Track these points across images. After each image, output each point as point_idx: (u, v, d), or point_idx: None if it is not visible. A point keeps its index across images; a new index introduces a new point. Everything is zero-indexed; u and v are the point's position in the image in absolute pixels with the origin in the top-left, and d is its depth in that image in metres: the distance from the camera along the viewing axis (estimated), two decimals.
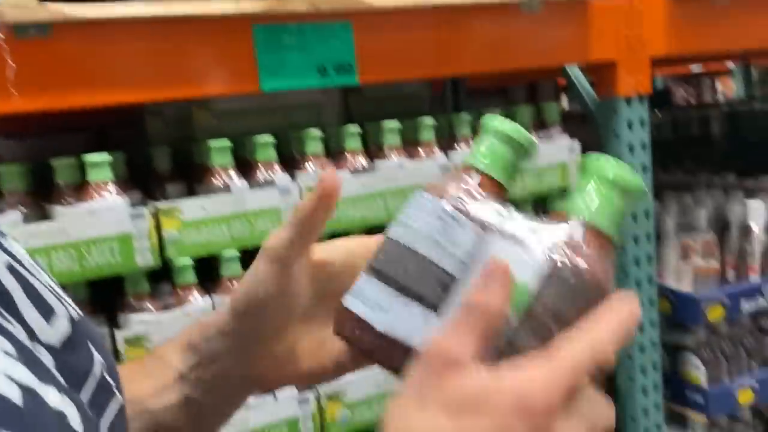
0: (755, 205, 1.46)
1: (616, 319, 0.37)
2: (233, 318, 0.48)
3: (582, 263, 0.40)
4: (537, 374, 0.34)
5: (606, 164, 0.42)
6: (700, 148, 2.29)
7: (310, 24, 1.01)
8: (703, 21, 1.31)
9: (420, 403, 0.35)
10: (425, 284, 0.43)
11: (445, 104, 1.84)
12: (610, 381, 1.42)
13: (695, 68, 4.10)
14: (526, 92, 2.55)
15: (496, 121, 0.46)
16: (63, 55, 0.88)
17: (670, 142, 2.31)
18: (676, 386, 1.46)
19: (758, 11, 1.37)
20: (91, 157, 0.94)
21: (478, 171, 0.46)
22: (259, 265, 0.47)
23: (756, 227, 1.45)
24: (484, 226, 0.43)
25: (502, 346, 0.38)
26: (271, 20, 0.99)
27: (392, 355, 0.43)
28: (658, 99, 3.37)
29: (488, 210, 0.44)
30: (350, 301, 0.45)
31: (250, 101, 1.20)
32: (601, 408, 0.36)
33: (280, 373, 0.51)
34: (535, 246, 0.41)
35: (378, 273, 0.44)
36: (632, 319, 0.37)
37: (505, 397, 0.33)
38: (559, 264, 0.40)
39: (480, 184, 0.45)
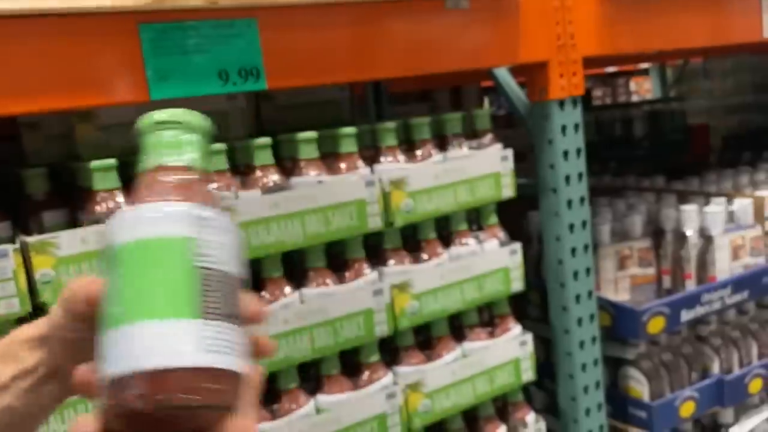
0: (688, 210, 1.44)
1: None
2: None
3: None
4: None
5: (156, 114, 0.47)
6: (625, 150, 2.31)
7: (207, 22, 0.91)
8: (635, 19, 1.28)
9: None
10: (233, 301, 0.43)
11: (368, 110, 1.74)
12: (552, 400, 1.37)
13: (609, 69, 4.22)
14: (450, 96, 2.50)
15: (156, 116, 0.48)
16: None
17: (593, 144, 2.32)
18: (617, 402, 1.42)
19: (693, 7, 1.35)
20: None
21: (180, 168, 0.46)
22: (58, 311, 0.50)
23: (690, 232, 1.43)
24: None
25: None
26: (161, 18, 0.88)
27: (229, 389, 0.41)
28: (582, 100, 3.44)
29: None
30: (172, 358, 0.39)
31: (142, 110, 1.06)
32: None
33: None
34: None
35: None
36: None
37: None
38: None
39: (197, 180, 0.46)
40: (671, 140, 2.34)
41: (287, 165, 1.05)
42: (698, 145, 2.35)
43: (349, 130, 1.06)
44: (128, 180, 0.96)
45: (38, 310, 0.82)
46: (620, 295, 1.43)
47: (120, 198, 0.90)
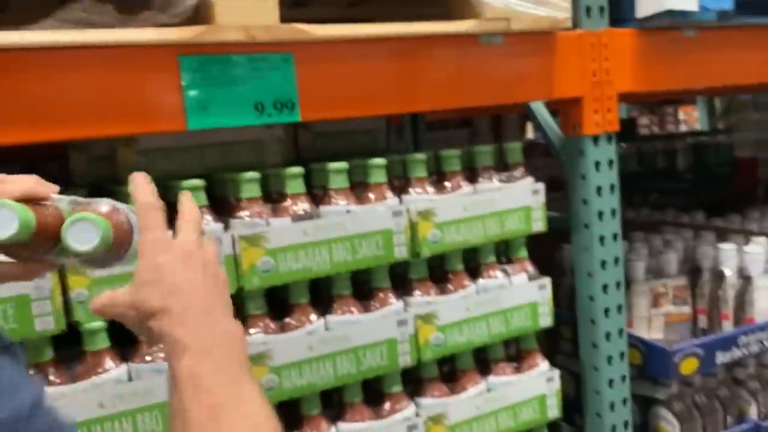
0: (727, 249, 1.40)
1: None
2: None
3: None
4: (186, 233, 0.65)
5: None
6: (667, 182, 2.27)
7: (245, 55, 0.94)
8: (675, 54, 1.27)
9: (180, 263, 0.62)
10: None
11: (405, 138, 1.76)
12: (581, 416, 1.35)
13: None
14: (490, 125, 2.50)
15: None
16: None
17: (635, 175, 2.28)
18: None
19: (728, 45, 1.33)
20: None
21: None
22: None
23: (728, 272, 1.40)
24: None
25: None
26: (201, 51, 0.91)
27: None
28: (623, 129, 3.39)
29: None
30: None
31: (182, 137, 1.10)
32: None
33: None
34: None
35: None
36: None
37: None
38: None
39: None
40: (716, 173, 2.29)
41: (318, 193, 1.07)
42: (744, 180, 2.30)
43: (379, 161, 1.07)
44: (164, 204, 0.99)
45: (72, 328, 0.86)
46: (653, 333, 1.40)
47: None
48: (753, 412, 1.42)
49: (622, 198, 1.32)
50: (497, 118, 2.49)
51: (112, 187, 1.03)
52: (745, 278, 1.39)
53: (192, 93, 0.90)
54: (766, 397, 1.44)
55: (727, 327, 1.39)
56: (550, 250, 1.57)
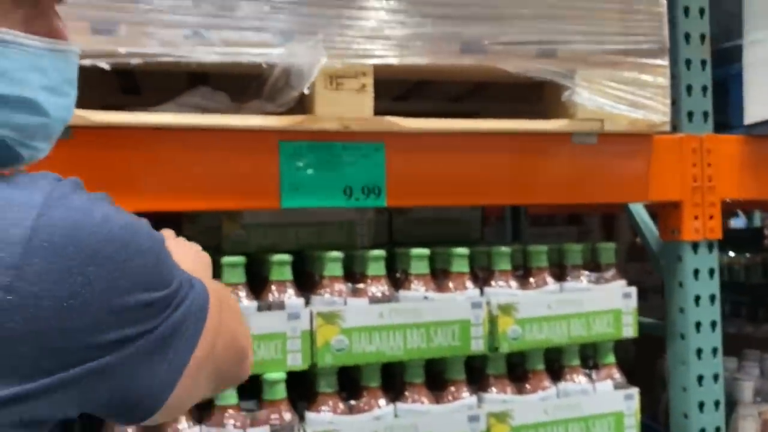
0: None
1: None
2: None
3: None
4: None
5: None
6: None
7: (339, 143, 1.01)
8: None
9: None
10: None
11: (504, 229, 1.77)
12: None
13: None
14: (601, 223, 2.44)
15: None
16: (84, 158, 0.89)
17: (760, 287, 2.13)
18: None
19: None
20: None
21: None
22: None
23: None
24: None
25: None
26: (299, 137, 0.99)
27: None
28: (749, 238, 3.19)
29: None
30: None
31: (281, 215, 1.18)
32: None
33: None
34: None
35: None
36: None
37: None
38: None
39: None
40: None
41: (400, 277, 1.10)
42: None
43: (462, 250, 1.09)
44: (254, 276, 1.06)
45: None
46: None
47: (242, 293, 0.99)
48: None
49: (741, 314, 1.25)
50: (609, 217, 2.43)
51: (216, 257, 1.11)
52: None
53: (287, 175, 0.98)
54: None
55: None
56: (651, 359, 1.49)
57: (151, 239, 0.62)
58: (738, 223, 3.36)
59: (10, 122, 0.61)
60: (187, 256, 0.77)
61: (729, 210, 2.82)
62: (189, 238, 1.27)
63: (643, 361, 1.32)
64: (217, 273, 1.03)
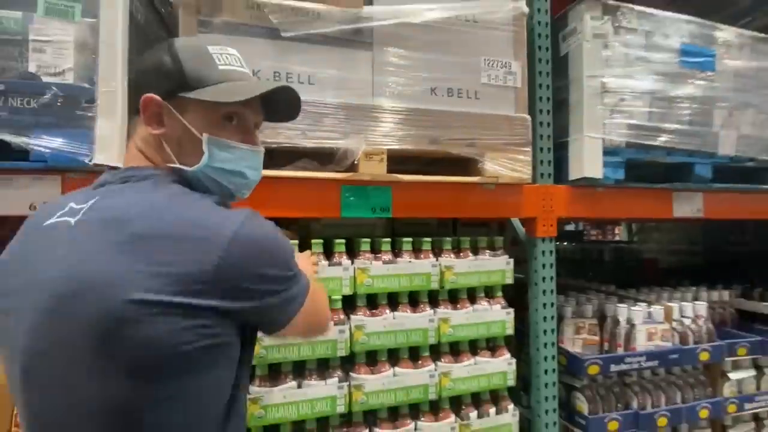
0: (622, 307, 1.38)
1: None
2: None
3: None
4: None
5: None
6: (597, 268, 2.18)
7: (370, 186, 1.07)
8: (587, 200, 1.29)
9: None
10: None
11: (448, 229, 1.85)
12: (528, 397, 1.33)
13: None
14: (498, 226, 2.52)
15: None
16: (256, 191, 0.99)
17: (582, 261, 2.22)
18: (569, 411, 1.34)
19: (621, 197, 1.33)
20: None
21: None
22: None
23: (622, 320, 1.37)
24: None
25: None
26: (350, 183, 1.06)
27: None
28: (575, 236, 3.23)
29: None
30: None
31: (340, 220, 1.23)
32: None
33: None
34: None
35: None
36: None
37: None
38: None
39: None
40: (628, 266, 2.17)
41: (397, 251, 1.15)
42: (649, 273, 2.14)
43: (427, 239, 1.14)
44: (327, 249, 1.09)
45: None
46: (575, 349, 1.37)
47: (321, 257, 1.08)
48: (634, 404, 1.34)
49: (568, 274, 1.29)
50: (502, 224, 2.49)
51: (308, 240, 1.10)
52: (631, 324, 1.36)
53: (343, 201, 1.04)
54: (643, 397, 1.35)
55: (619, 351, 1.35)
56: (521, 295, 1.56)
57: (286, 245, 0.59)
58: (569, 227, 3.42)
59: (232, 182, 0.63)
60: (302, 260, 0.78)
61: (564, 221, 2.86)
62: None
63: (517, 295, 1.36)
64: (309, 246, 1.08)
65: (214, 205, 0.57)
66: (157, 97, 0.60)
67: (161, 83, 0.60)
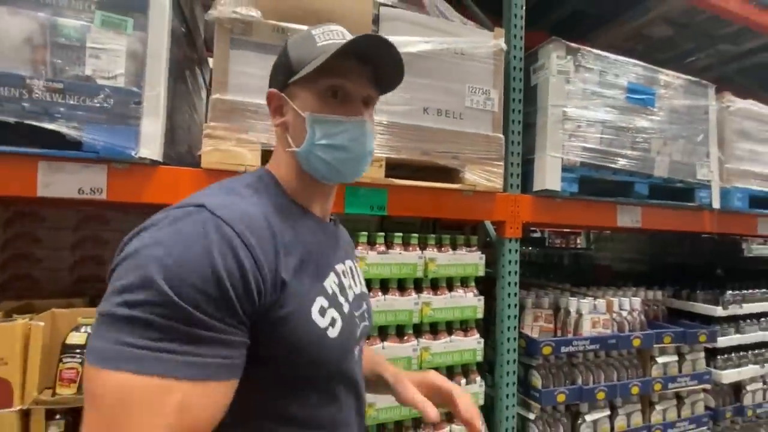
0: (573, 300, 1.56)
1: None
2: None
3: None
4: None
5: None
6: (557, 271, 2.35)
7: (369, 188, 1.20)
8: (548, 208, 1.42)
9: None
10: None
11: (428, 227, 2.03)
12: (492, 377, 1.48)
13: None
14: (471, 227, 2.72)
15: None
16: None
17: (543, 264, 2.41)
18: (526, 387, 1.50)
19: (575, 207, 1.45)
20: None
21: None
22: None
23: (572, 311, 1.55)
24: None
25: None
26: (353, 184, 1.19)
27: None
28: (538, 242, 3.44)
29: None
30: None
31: (343, 216, 1.37)
32: None
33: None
34: None
35: None
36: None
37: None
38: None
39: None
40: (582, 268, 2.35)
41: (388, 244, 1.29)
42: (603, 277, 2.32)
43: (414, 234, 1.28)
44: None
45: None
46: (533, 334, 1.52)
47: None
48: (579, 380, 1.50)
49: (531, 275, 1.40)
50: (475, 225, 2.69)
51: None
52: (579, 314, 1.52)
53: (348, 198, 1.15)
54: (587, 375, 1.52)
55: (569, 336, 1.51)
56: (490, 287, 1.72)
57: (149, 266, 0.47)
58: (535, 234, 3.60)
59: (336, 157, 0.56)
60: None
61: (530, 227, 3.03)
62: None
63: (486, 289, 1.42)
64: None
65: (203, 209, 0.50)
66: (275, 90, 0.58)
67: (278, 77, 0.59)
